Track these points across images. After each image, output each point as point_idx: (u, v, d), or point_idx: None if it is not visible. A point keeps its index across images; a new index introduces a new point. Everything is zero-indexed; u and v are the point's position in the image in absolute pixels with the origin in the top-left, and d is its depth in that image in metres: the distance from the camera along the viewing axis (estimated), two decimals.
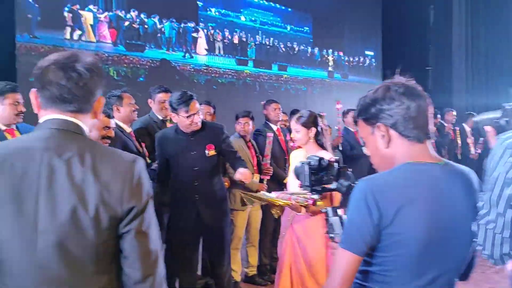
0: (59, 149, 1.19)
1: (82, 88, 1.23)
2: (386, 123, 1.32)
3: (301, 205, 2.78)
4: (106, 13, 5.73)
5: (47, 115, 1.24)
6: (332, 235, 1.57)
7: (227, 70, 7.27)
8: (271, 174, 4.32)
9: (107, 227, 1.18)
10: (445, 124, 7.30)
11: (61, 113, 1.24)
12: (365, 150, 4.64)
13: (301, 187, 1.84)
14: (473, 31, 12.84)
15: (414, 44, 12.74)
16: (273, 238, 4.36)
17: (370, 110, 1.35)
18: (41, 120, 1.25)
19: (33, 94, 1.26)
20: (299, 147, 3.23)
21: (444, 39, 13.31)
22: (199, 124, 3.16)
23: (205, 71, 6.94)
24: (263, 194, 3.06)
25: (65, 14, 5.31)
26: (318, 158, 1.77)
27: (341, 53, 9.47)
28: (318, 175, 1.75)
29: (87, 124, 1.28)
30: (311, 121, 3.09)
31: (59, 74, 1.21)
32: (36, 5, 5.02)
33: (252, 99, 7.03)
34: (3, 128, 3.02)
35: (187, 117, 3.09)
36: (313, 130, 3.07)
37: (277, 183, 4.26)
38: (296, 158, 3.12)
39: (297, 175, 1.82)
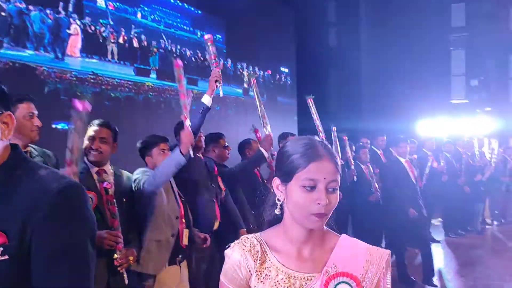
0: None
1: None
2: None
3: None
4: None
5: None
6: None
7: (123, 81, 5.57)
8: None
9: None
10: (377, 150, 6.66)
11: None
12: None
13: None
14: (379, 56, 12.75)
15: (322, 65, 12.32)
16: None
17: None
18: None
19: None
20: None
21: (350, 61, 13.12)
22: None
23: (92, 81, 5.17)
24: None
25: None
26: None
27: (257, 68, 8.30)
28: None
29: None
30: None
31: None
32: None
33: (159, 120, 5.44)
34: None
35: None
36: None
37: None
38: None
39: None
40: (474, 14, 13.32)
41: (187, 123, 2.72)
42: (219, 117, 7.22)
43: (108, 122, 2.63)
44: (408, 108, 12.08)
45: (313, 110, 4.63)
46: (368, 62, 12.90)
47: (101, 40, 5.32)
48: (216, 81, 2.99)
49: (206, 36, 3.21)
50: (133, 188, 2.61)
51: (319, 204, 1.09)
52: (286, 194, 1.14)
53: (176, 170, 2.61)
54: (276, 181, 1.16)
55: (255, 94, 3.55)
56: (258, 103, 3.51)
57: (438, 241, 7.29)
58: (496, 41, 12.89)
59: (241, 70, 7.85)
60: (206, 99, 3.08)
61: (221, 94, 3.11)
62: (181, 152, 2.57)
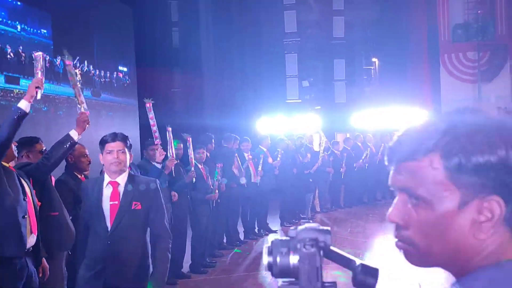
0: None
1: None
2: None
3: None
4: None
5: None
6: None
7: None
8: None
9: None
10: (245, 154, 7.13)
11: None
12: None
13: None
14: (220, 57, 13.13)
15: (162, 64, 12.20)
16: None
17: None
18: None
19: None
20: None
21: (193, 61, 13.23)
22: None
23: None
24: None
25: None
26: None
27: (91, 66, 7.82)
28: None
29: None
30: None
31: None
32: None
33: None
34: None
35: None
36: None
37: None
38: None
39: None
40: (303, 21, 14.64)
41: None
42: (48, 119, 6.63)
43: None
44: (248, 107, 12.72)
45: (150, 115, 4.50)
46: (210, 63, 13.20)
47: None
48: (37, 87, 2.79)
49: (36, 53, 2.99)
50: None
51: None
52: None
53: None
54: None
55: (70, 74, 3.32)
56: (72, 82, 3.31)
57: (275, 231, 7.84)
58: (322, 47, 14.38)
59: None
60: (23, 104, 2.81)
61: (39, 97, 2.90)
62: None
